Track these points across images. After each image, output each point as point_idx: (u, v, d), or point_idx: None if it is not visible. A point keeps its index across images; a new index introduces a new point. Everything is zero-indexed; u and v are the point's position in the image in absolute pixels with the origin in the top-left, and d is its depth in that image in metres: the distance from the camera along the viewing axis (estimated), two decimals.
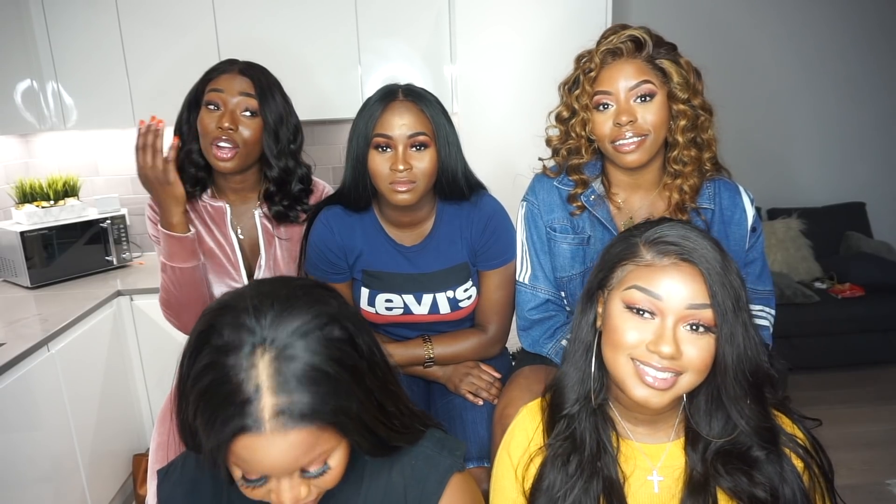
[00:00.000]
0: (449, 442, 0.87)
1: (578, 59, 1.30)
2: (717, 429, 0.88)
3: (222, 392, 0.66)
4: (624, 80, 1.21)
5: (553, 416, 0.96)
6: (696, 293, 0.82)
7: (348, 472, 0.77)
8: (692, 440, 0.90)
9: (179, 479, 0.87)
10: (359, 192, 1.34)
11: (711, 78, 1.29)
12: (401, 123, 1.26)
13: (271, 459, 0.67)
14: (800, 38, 3.59)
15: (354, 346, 0.73)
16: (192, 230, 1.40)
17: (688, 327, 0.83)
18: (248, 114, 1.40)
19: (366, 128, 1.28)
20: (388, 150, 1.26)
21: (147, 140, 1.33)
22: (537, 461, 0.94)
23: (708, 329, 0.82)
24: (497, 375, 1.43)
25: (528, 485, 0.94)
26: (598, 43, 1.26)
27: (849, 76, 3.66)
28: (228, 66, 1.44)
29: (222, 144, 1.39)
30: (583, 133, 1.28)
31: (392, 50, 2.59)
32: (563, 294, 1.38)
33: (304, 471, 0.71)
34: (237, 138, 1.39)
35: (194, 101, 1.45)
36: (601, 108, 1.24)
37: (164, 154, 1.35)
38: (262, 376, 0.66)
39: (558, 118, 1.34)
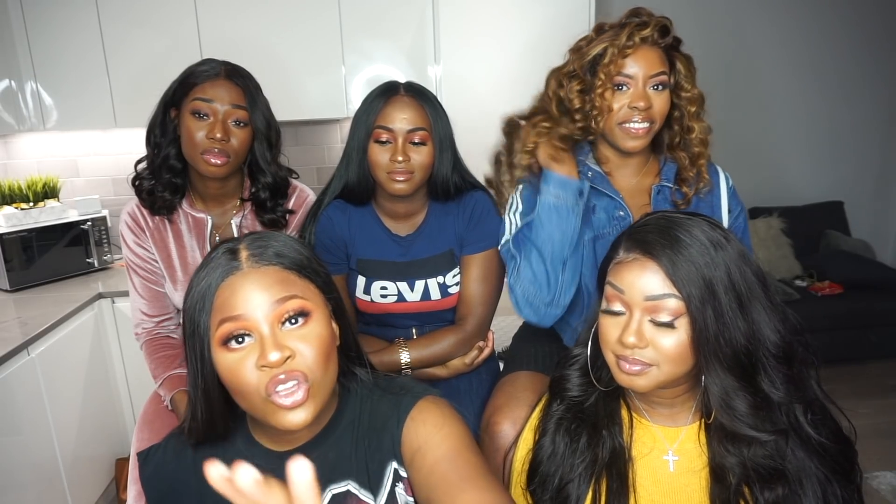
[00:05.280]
0: (419, 385, 0.89)
1: (599, 27, 1.27)
2: (740, 409, 0.86)
3: (213, 261, 0.78)
4: (646, 66, 1.23)
5: (556, 393, 1.01)
6: (652, 285, 0.84)
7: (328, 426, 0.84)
8: (707, 425, 0.92)
9: (162, 459, 0.87)
10: (363, 186, 1.38)
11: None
12: (402, 118, 1.31)
13: (248, 290, 0.75)
14: (783, 38, 3.63)
15: (326, 276, 0.84)
16: None
17: (651, 322, 0.84)
18: (238, 124, 1.37)
19: (367, 120, 1.33)
20: (389, 143, 1.31)
21: None
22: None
23: (673, 320, 0.83)
24: (486, 344, 1.44)
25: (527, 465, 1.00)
26: (624, 24, 1.24)
27: (830, 77, 3.72)
28: (212, 70, 1.38)
29: (213, 159, 1.36)
30: (604, 102, 1.24)
31: (376, 50, 2.59)
32: None
33: (281, 323, 0.75)
34: (228, 149, 1.36)
35: (171, 103, 1.40)
36: (619, 88, 1.24)
37: None
38: (242, 245, 0.79)
39: (572, 75, 1.28)
